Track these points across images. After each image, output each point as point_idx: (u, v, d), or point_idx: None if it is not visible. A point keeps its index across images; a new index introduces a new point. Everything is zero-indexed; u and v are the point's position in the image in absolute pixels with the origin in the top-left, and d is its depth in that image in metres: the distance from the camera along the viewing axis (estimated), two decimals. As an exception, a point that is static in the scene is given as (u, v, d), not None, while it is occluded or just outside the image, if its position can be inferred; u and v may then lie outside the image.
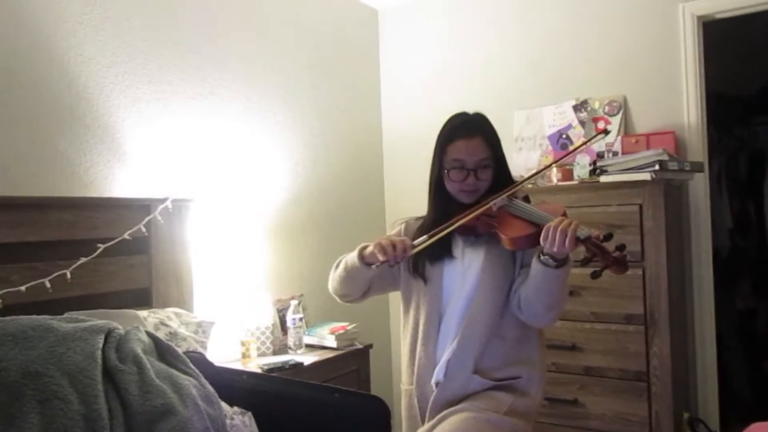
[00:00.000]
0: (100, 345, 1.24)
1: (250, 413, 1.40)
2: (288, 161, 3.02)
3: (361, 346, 2.68)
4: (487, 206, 1.64)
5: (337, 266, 1.78)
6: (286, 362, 2.35)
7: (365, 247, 1.65)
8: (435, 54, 3.48)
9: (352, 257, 1.68)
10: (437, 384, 1.66)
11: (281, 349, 2.66)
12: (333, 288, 1.82)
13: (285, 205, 2.98)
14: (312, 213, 3.12)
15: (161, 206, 2.25)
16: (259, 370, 2.29)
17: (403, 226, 1.86)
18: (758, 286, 3.65)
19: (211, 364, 1.50)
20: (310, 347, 2.67)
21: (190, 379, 1.25)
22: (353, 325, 2.74)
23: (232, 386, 1.46)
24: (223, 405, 1.36)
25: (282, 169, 2.99)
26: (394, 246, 1.55)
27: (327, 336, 2.67)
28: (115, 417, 1.08)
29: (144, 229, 2.19)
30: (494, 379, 1.64)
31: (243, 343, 2.48)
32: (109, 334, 1.30)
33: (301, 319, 2.63)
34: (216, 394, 1.26)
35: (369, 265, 1.62)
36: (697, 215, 2.76)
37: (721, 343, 2.78)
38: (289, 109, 3.04)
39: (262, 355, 2.55)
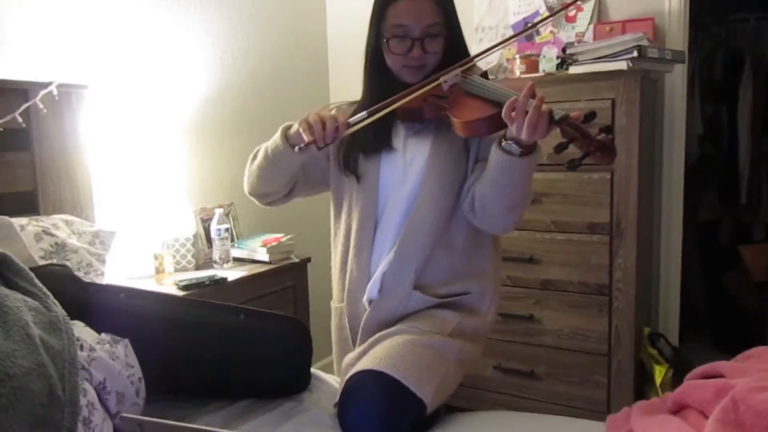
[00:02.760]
0: None
1: (126, 341, 1.10)
2: (213, 49, 2.58)
3: (297, 260, 2.39)
4: (437, 83, 1.30)
5: (255, 157, 1.45)
6: (207, 278, 2.04)
7: (290, 126, 1.33)
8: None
9: (273, 140, 1.36)
10: (370, 301, 1.38)
11: (206, 263, 2.36)
12: (250, 185, 1.51)
13: (210, 100, 2.57)
14: (243, 110, 2.72)
15: (43, 92, 1.84)
16: (174, 287, 1.99)
17: (333, 111, 1.52)
18: (724, 197, 3.48)
19: (78, 281, 1.18)
20: (240, 261, 2.37)
21: (29, 300, 0.93)
22: (289, 236, 2.43)
23: (107, 308, 1.15)
24: (87, 333, 1.05)
25: (206, 59, 2.55)
26: (323, 122, 1.23)
27: (258, 249, 2.37)
28: None
29: (20, 119, 1.79)
30: (438, 295, 1.37)
31: (156, 257, 2.15)
32: None
33: (227, 230, 2.31)
34: (66, 320, 0.95)
35: (294, 147, 1.29)
36: (672, 115, 2.50)
37: (683, 254, 2.60)
38: (213, -13, 2.57)
39: (182, 270, 2.24)
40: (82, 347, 0.98)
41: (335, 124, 1.24)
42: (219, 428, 0.98)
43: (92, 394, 0.97)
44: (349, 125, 1.27)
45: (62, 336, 0.91)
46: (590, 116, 1.13)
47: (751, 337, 3.08)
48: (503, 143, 1.21)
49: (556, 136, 1.21)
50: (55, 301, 0.97)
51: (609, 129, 1.14)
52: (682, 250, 2.59)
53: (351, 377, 1.22)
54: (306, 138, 1.24)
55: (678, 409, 1.00)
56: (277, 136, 1.36)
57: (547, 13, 2.64)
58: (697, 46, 3.39)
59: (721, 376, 0.97)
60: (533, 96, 1.14)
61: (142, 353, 1.15)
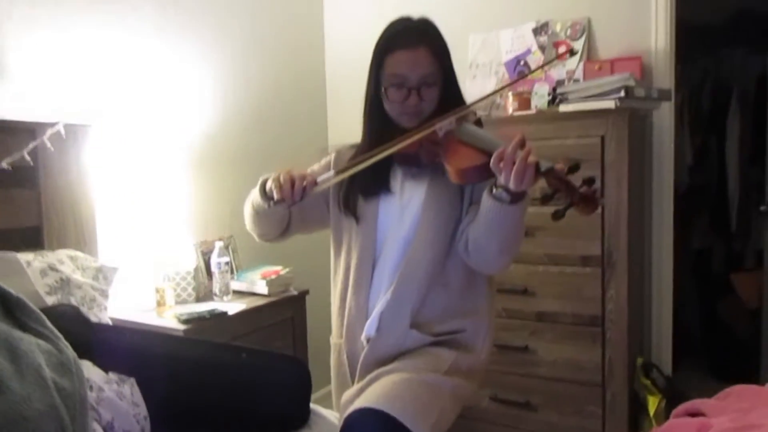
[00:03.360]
0: None
1: (132, 380, 1.14)
2: (215, 85, 2.66)
3: (296, 293, 2.43)
4: (431, 130, 1.36)
5: (249, 199, 1.51)
6: (207, 311, 2.08)
7: (267, 179, 1.39)
8: (383, -33, 3.11)
9: (255, 191, 1.42)
10: (368, 339, 1.42)
11: (206, 296, 2.39)
12: (247, 225, 1.58)
13: (212, 135, 2.64)
14: (243, 145, 2.79)
15: (50, 131, 1.89)
16: (174, 320, 2.02)
17: (333, 155, 1.58)
18: (715, 225, 3.54)
19: (86, 322, 1.22)
20: (239, 294, 2.41)
21: (41, 342, 0.97)
22: (287, 269, 2.47)
23: (114, 348, 1.19)
24: (96, 373, 1.09)
25: (208, 94, 2.63)
26: (292, 182, 1.29)
27: (258, 281, 2.41)
28: None
29: (29, 158, 1.84)
30: (434, 333, 1.41)
31: (157, 290, 2.19)
32: None
33: (227, 263, 2.35)
34: (77, 361, 0.99)
35: (270, 200, 1.36)
36: (661, 149, 2.57)
37: (676, 283, 2.65)
38: (216, 25, 2.65)
39: (182, 302, 2.28)
40: (91, 388, 1.02)
41: (303, 183, 1.30)
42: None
43: (100, 434, 1.01)
44: (317, 184, 1.33)
45: (73, 378, 0.95)
46: (574, 168, 1.18)
47: (745, 365, 3.12)
48: (494, 191, 1.26)
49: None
50: (66, 343, 1.01)
51: (592, 181, 1.19)
52: (676, 278, 2.63)
53: (350, 415, 1.25)
54: (276, 196, 1.31)
55: (666, 445, 1.04)
56: (255, 189, 1.43)
57: (538, 52, 2.73)
58: (686, 78, 3.49)
59: (703, 414, 1.02)
60: (523, 146, 1.20)
61: (146, 390, 1.19)
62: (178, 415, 1.25)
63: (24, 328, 1.01)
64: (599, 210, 2.20)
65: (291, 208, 1.43)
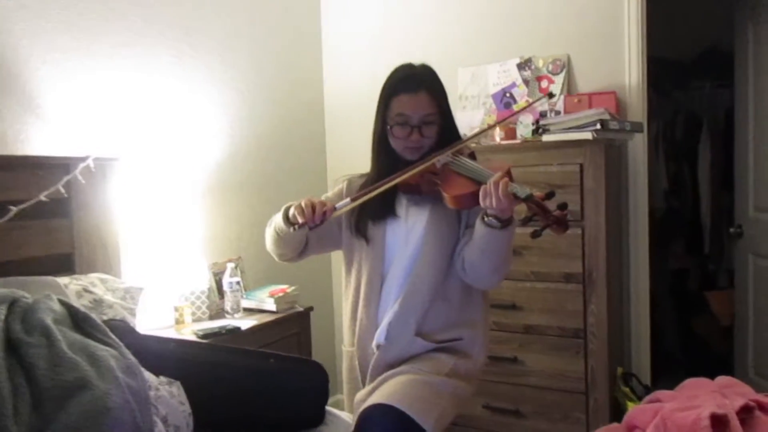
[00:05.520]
0: (2, 316, 1.12)
1: (178, 383, 1.32)
2: (224, 118, 2.87)
3: (301, 309, 2.62)
4: (430, 163, 1.58)
5: (270, 224, 1.70)
6: (222, 327, 2.26)
7: (291, 206, 1.58)
8: (378, 7, 3.36)
9: (278, 216, 1.61)
10: (378, 346, 1.61)
11: (218, 314, 2.57)
12: (268, 246, 1.75)
13: (221, 164, 2.84)
14: (249, 173, 2.99)
15: (82, 165, 2.08)
16: (193, 337, 2.20)
17: (345, 183, 1.79)
18: (691, 246, 3.77)
19: (135, 333, 1.40)
20: (249, 311, 2.59)
21: (109, 349, 1.15)
22: (293, 287, 2.66)
23: (160, 355, 1.37)
24: (149, 375, 1.28)
25: (217, 127, 2.83)
26: (313, 208, 1.48)
27: (266, 299, 2.59)
28: (20, 395, 0.98)
29: (63, 190, 2.03)
30: (436, 341, 1.61)
31: (176, 309, 2.37)
32: (13, 303, 1.18)
33: (238, 283, 2.54)
34: (138, 365, 1.17)
35: (293, 225, 1.55)
36: (636, 176, 2.80)
37: (654, 301, 2.85)
38: (226, 63, 2.87)
39: (197, 320, 2.45)
40: (150, 387, 1.20)
41: (323, 209, 1.49)
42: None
43: (160, 426, 1.18)
44: (335, 209, 1.53)
45: (137, 378, 1.13)
46: (550, 195, 1.40)
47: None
48: (485, 218, 1.48)
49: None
50: (127, 350, 1.20)
51: (564, 206, 1.41)
52: (654, 296, 2.83)
53: (364, 411, 1.44)
54: (300, 220, 1.50)
55: (630, 430, 1.23)
56: (279, 214, 1.62)
57: (523, 85, 2.97)
58: (660, 109, 3.75)
59: (660, 401, 1.22)
60: (508, 177, 1.41)
61: (187, 392, 1.37)
62: (211, 413, 1.42)
63: (92, 338, 1.19)
64: (579, 231, 2.42)
65: (311, 231, 1.61)
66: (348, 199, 1.55)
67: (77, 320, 1.22)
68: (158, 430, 1.16)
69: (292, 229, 1.54)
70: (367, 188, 1.57)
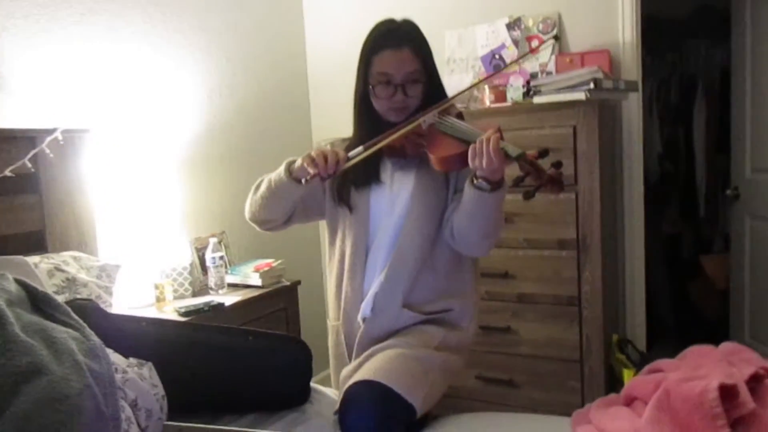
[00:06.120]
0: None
1: (149, 364, 1.24)
2: (201, 88, 2.75)
3: (288, 283, 2.54)
4: (416, 123, 1.48)
5: (258, 187, 1.60)
6: (205, 304, 2.18)
7: (293, 162, 1.48)
8: (361, -31, 3.21)
9: (277, 173, 1.51)
10: (364, 319, 1.54)
11: (202, 290, 2.49)
12: (252, 213, 1.64)
13: (200, 136, 2.73)
14: (231, 144, 2.88)
15: (49, 138, 1.97)
16: (174, 314, 2.12)
17: (327, 147, 1.69)
18: (685, 211, 3.71)
19: (102, 312, 1.32)
20: (234, 287, 2.51)
21: (70, 331, 1.07)
22: (279, 261, 2.58)
23: (131, 335, 1.29)
24: (117, 358, 1.20)
25: (195, 97, 2.71)
26: (325, 157, 1.39)
27: (251, 274, 2.51)
28: (-35, 382, 0.90)
29: (30, 165, 1.92)
30: (425, 312, 1.54)
31: (157, 287, 2.28)
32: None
33: (221, 258, 2.45)
34: (103, 347, 1.09)
35: (298, 180, 1.45)
36: (630, 138, 2.71)
37: (648, 266, 2.80)
38: (202, 30, 2.74)
39: (180, 297, 2.37)
40: (116, 370, 1.12)
41: (336, 158, 1.40)
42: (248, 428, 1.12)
43: (128, 411, 1.11)
44: (349, 158, 1.43)
45: (101, 361, 1.05)
46: (544, 153, 1.31)
47: (714, 342, 3.29)
48: (475, 181, 1.39)
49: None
50: (91, 332, 1.11)
51: (559, 164, 1.32)
52: (648, 262, 2.78)
53: (349, 387, 1.37)
54: (311, 171, 1.40)
55: (629, 402, 1.17)
56: (281, 169, 1.51)
57: (512, 47, 2.86)
58: (654, 70, 3.65)
59: (662, 371, 1.15)
60: (497, 136, 1.32)
61: (162, 373, 1.29)
62: (189, 394, 1.35)
63: (52, 319, 1.10)
64: (573, 196, 2.34)
65: (325, 182, 1.52)
66: (361, 147, 1.45)
67: (36, 301, 1.13)
68: (126, 415, 1.09)
69: (303, 181, 1.43)
70: (379, 137, 1.46)
